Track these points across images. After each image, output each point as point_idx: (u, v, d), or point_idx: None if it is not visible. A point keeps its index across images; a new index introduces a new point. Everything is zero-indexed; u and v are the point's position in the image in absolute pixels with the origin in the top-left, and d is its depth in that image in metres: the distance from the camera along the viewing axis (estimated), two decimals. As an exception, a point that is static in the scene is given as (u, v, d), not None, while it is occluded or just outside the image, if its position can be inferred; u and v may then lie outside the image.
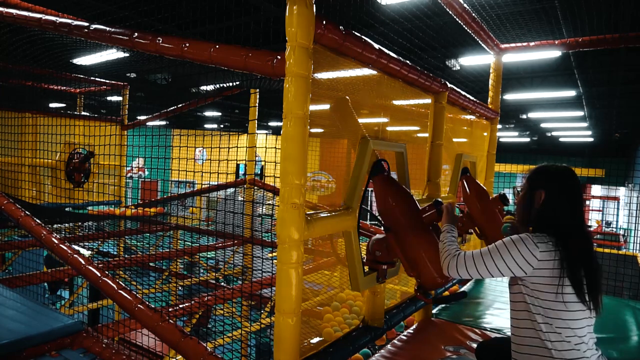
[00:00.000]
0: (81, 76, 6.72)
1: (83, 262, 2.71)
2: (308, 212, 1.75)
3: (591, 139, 15.60)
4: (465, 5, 3.50)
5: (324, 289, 3.45)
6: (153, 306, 2.34)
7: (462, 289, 4.07)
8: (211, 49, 1.77)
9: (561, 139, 16.41)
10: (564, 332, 1.54)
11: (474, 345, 2.61)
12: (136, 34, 2.01)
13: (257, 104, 6.31)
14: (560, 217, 1.65)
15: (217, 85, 6.59)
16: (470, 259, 1.66)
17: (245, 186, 6.69)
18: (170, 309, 3.39)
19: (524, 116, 11.82)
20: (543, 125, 13.23)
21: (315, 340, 2.20)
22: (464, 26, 3.71)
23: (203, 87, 8.66)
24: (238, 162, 7.24)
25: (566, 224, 1.64)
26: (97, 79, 6.99)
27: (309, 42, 1.59)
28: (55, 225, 5.46)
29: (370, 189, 2.10)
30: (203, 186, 7.55)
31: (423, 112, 2.98)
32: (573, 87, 8.41)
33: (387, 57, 2.13)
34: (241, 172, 10.47)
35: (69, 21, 2.41)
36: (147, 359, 3.43)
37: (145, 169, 18.53)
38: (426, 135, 2.92)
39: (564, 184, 1.70)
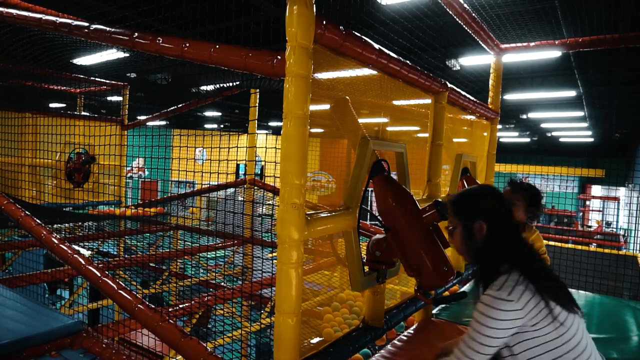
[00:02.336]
0: (81, 76, 6.72)
1: (83, 262, 2.71)
2: (308, 212, 1.75)
3: (591, 139, 15.60)
4: (465, 5, 3.50)
5: (324, 289, 3.45)
6: (153, 306, 2.34)
7: (462, 289, 4.07)
8: (211, 49, 1.76)
9: (561, 139, 16.42)
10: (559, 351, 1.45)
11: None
12: (136, 34, 2.01)
13: (257, 104, 6.31)
14: (509, 239, 1.54)
15: (217, 85, 6.59)
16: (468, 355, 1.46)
17: (245, 186, 6.69)
18: (170, 309, 3.39)
19: (524, 116, 11.83)
20: (543, 125, 13.24)
21: (315, 340, 2.19)
22: (464, 26, 3.71)
23: (203, 87, 8.67)
24: (238, 162, 7.25)
25: (516, 243, 1.54)
26: (97, 79, 7.00)
27: (309, 42, 1.59)
28: (55, 225, 5.46)
29: (370, 189, 2.10)
30: (203, 186, 7.55)
31: (423, 112, 2.98)
32: (573, 87, 8.42)
33: (387, 57, 2.13)
34: (241, 172, 10.47)
35: (69, 21, 2.41)
36: (147, 359, 3.43)
37: (145, 169, 18.53)
38: (426, 135, 2.92)
39: (499, 204, 1.61)
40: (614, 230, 15.67)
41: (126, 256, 5.86)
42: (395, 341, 2.90)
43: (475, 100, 3.55)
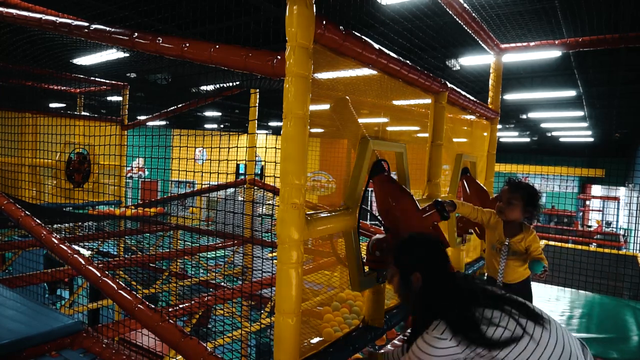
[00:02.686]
0: (81, 76, 6.72)
1: (83, 262, 2.71)
2: (308, 212, 1.75)
3: (591, 139, 15.60)
4: (465, 5, 3.50)
5: (324, 289, 3.45)
6: (153, 306, 2.34)
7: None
8: (211, 49, 1.76)
9: (561, 139, 16.42)
10: None
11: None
12: (136, 34, 2.01)
13: (257, 104, 6.31)
14: (442, 292, 1.60)
15: (217, 85, 6.59)
16: None
17: (245, 186, 6.69)
18: (170, 309, 3.39)
19: (524, 116, 11.83)
20: (543, 125, 13.24)
21: (315, 340, 2.19)
22: (464, 26, 3.71)
23: (203, 87, 8.67)
24: (238, 162, 7.25)
25: (448, 294, 1.59)
26: (97, 79, 7.00)
27: (309, 42, 1.59)
28: (55, 225, 5.46)
29: (370, 189, 2.10)
30: (203, 186, 7.55)
31: (423, 112, 2.98)
32: (573, 87, 8.41)
33: (387, 57, 2.13)
34: (241, 172, 10.47)
35: (69, 21, 2.41)
36: (147, 359, 3.43)
37: (145, 169, 18.53)
38: (426, 135, 2.92)
39: (436, 256, 1.67)
40: (614, 230, 15.68)
41: (126, 256, 5.86)
42: (395, 341, 2.90)
43: (475, 100, 3.55)
